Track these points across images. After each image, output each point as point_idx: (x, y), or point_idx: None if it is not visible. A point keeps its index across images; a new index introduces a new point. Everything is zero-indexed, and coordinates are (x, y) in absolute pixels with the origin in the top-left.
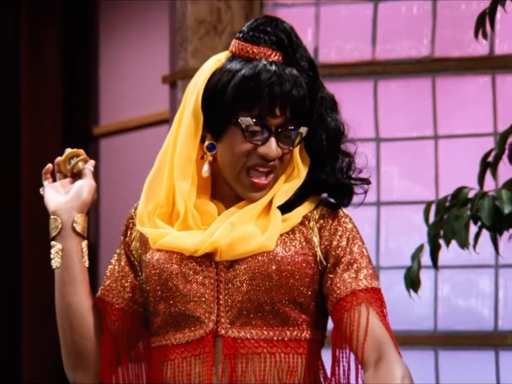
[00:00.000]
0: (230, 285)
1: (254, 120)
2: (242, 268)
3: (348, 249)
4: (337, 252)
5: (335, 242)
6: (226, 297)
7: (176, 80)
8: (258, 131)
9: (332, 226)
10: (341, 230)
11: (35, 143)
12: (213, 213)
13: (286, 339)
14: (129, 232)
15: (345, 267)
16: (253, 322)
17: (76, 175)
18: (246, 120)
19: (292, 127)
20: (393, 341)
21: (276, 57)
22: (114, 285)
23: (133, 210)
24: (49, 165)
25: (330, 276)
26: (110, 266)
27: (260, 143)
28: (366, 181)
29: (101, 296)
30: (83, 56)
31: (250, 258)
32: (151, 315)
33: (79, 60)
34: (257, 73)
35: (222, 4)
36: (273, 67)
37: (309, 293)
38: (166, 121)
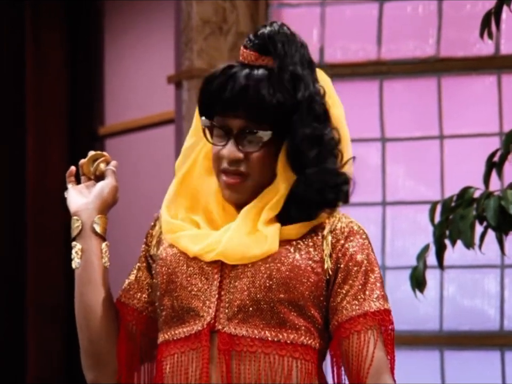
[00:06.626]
0: (232, 282)
1: (210, 121)
2: (246, 266)
3: (363, 268)
4: (349, 267)
5: (347, 257)
6: (227, 294)
7: (181, 80)
8: (222, 135)
9: (347, 240)
10: (356, 247)
11: (40, 144)
12: (231, 212)
13: (282, 341)
14: (150, 232)
15: (359, 286)
16: (251, 321)
17: (100, 177)
18: (204, 121)
19: (254, 131)
20: (391, 370)
21: (265, 61)
22: (132, 287)
23: (156, 215)
24: (72, 168)
25: (341, 291)
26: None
27: (221, 146)
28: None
29: (119, 297)
30: (88, 57)
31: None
32: (158, 311)
33: (84, 61)
34: (216, 75)
35: (227, 4)
36: (234, 69)
37: (310, 297)
38: (171, 121)
